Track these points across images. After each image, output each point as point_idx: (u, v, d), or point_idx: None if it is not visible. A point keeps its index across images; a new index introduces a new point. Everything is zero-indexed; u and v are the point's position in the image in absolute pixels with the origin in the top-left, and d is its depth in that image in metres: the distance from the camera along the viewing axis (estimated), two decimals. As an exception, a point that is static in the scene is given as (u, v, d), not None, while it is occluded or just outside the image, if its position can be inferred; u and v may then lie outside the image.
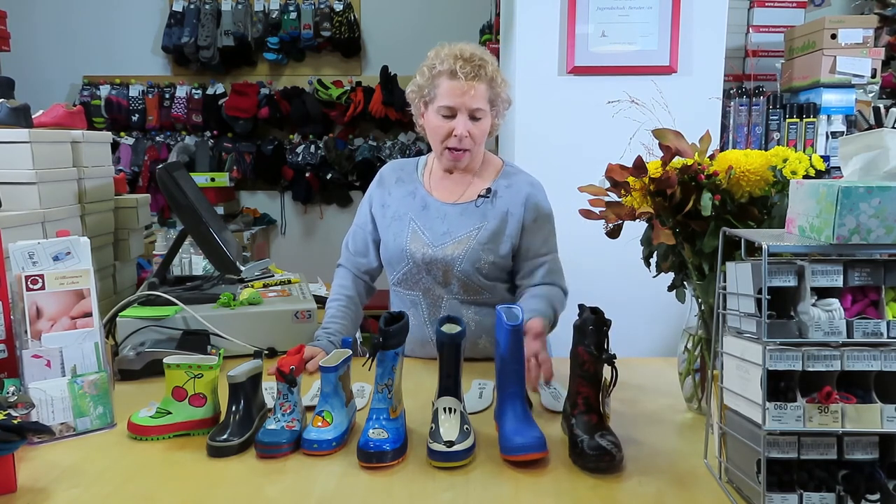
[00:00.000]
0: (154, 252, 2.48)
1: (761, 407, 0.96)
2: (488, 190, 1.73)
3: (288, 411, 1.24)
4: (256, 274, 2.12)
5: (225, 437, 1.21)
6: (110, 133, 2.27)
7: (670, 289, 1.41)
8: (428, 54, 1.69)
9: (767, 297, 0.96)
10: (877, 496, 0.96)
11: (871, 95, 2.80)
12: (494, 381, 1.49)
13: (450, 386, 1.24)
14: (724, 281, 1.09)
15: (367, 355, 1.23)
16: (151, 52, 4.90)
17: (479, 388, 1.52)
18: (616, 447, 1.14)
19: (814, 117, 2.73)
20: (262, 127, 4.84)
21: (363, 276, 1.85)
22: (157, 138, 4.86)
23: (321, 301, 1.96)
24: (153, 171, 4.51)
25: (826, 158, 2.66)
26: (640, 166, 1.26)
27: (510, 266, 1.75)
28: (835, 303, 0.98)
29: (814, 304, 0.97)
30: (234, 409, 1.25)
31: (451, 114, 1.65)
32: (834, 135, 2.74)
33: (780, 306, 1.00)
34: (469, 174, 1.77)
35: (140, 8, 4.87)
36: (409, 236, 1.72)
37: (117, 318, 1.69)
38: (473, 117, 1.64)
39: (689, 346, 1.40)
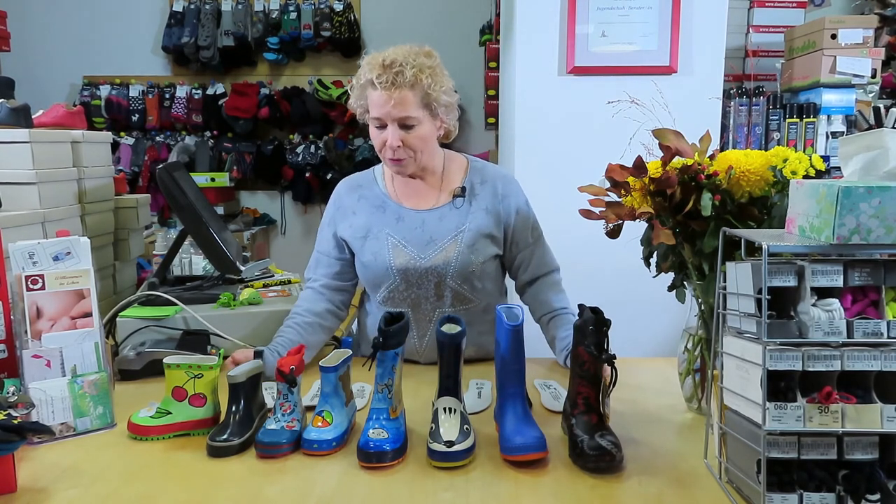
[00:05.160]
0: (154, 252, 2.48)
1: (761, 407, 0.96)
2: (463, 189, 1.66)
3: (288, 411, 1.24)
4: (256, 274, 2.12)
5: (225, 437, 1.21)
6: (110, 133, 2.27)
7: (670, 289, 1.41)
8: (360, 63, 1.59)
9: (767, 297, 0.96)
10: (877, 496, 0.96)
11: (871, 95, 2.79)
12: (492, 381, 1.50)
13: (450, 386, 1.24)
14: (724, 281, 1.09)
15: (367, 355, 1.23)
16: (151, 52, 4.91)
17: (476, 388, 1.52)
18: (616, 447, 1.14)
19: (814, 117, 2.73)
20: (262, 127, 4.85)
21: (329, 304, 1.70)
22: (157, 138, 4.86)
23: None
24: (153, 171, 4.51)
25: (826, 158, 2.66)
26: (640, 166, 1.26)
27: (500, 265, 1.72)
28: (835, 303, 0.98)
29: (814, 304, 0.97)
30: (234, 409, 1.25)
31: (381, 125, 1.57)
32: (834, 135, 2.74)
33: (780, 306, 1.00)
34: (435, 178, 1.69)
35: (140, 8, 4.87)
36: (391, 251, 1.63)
37: (117, 318, 1.69)
38: (404, 125, 1.55)
39: (689, 346, 1.40)
